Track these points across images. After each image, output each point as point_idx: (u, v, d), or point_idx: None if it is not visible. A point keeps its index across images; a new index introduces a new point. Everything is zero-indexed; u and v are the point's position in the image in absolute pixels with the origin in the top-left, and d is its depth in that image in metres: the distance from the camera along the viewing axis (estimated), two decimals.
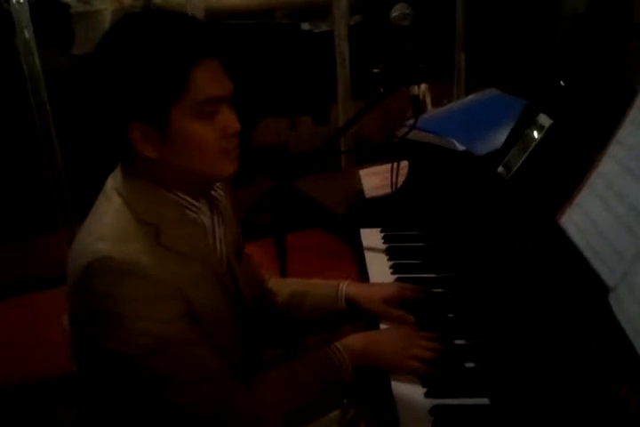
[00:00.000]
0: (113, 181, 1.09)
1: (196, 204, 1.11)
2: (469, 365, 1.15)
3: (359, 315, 1.35)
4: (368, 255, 1.63)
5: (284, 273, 1.76)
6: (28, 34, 2.50)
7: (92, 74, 1.04)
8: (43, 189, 2.75)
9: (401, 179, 1.82)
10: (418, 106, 1.37)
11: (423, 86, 2.42)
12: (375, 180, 2.07)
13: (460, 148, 1.54)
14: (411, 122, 1.63)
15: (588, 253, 1.00)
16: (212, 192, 1.18)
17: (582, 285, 0.99)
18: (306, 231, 2.75)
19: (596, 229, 1.00)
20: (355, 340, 1.19)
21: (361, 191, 2.17)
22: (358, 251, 1.67)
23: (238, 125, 1.06)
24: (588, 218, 1.04)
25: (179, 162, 1.04)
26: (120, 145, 1.04)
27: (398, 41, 1.30)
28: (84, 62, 1.06)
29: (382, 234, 1.72)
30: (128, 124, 1.00)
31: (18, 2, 2.47)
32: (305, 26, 4.35)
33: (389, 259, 1.58)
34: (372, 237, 1.72)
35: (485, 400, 1.05)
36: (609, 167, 1.04)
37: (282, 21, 4.96)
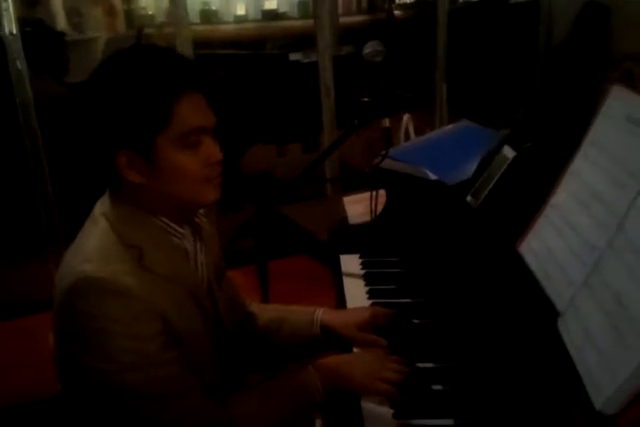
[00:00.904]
0: (100, 206, 1.15)
1: (180, 230, 1.17)
2: (436, 387, 1.19)
3: (334, 341, 1.40)
4: (346, 280, 1.69)
5: (265, 299, 1.81)
6: (20, 64, 2.59)
7: (82, 103, 1.11)
8: (32, 212, 2.81)
9: (380, 207, 1.89)
10: (389, 138, 1.44)
11: (405, 116, 2.50)
12: (359, 207, 2.14)
13: (433, 177, 1.61)
14: (390, 152, 1.70)
15: (542, 280, 1.05)
16: (196, 219, 1.24)
17: (538, 310, 1.04)
18: (291, 257, 2.81)
19: (551, 256, 1.06)
20: (327, 362, 1.23)
21: (345, 218, 2.24)
22: (337, 276, 1.72)
23: (220, 155, 1.12)
24: (544, 245, 1.10)
25: (163, 188, 1.10)
26: (108, 171, 1.10)
27: (371, 76, 1.37)
28: (76, 92, 1.13)
29: (361, 260, 1.77)
30: (115, 151, 1.07)
31: (11, 33, 2.56)
32: (296, 56, 4.47)
33: (366, 284, 1.64)
34: (350, 262, 1.77)
35: (450, 421, 1.10)
36: (563, 198, 1.11)
37: (271, 52, 5.09)
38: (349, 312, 1.47)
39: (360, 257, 1.79)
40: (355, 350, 1.36)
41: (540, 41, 3.50)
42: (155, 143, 1.06)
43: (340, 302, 1.61)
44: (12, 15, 2.54)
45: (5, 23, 2.54)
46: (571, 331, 0.91)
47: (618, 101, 1.05)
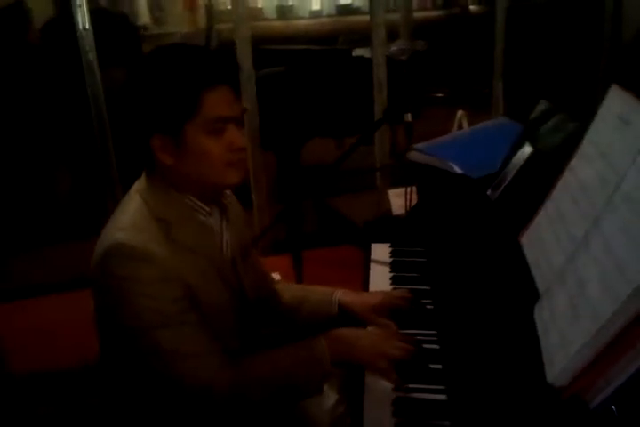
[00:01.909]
0: (137, 185, 1.30)
1: (206, 208, 1.30)
2: (435, 366, 1.27)
3: (350, 321, 1.49)
4: (374, 267, 1.78)
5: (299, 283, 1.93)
6: (91, 56, 2.81)
7: (125, 92, 1.27)
8: (99, 194, 3.03)
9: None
10: (410, 131, 1.51)
11: (459, 113, 2.55)
12: (403, 199, 2.22)
13: (458, 170, 1.67)
14: (419, 146, 1.78)
15: (533, 268, 1.12)
16: (224, 200, 1.37)
17: (527, 297, 1.11)
18: (339, 247, 2.91)
19: (541, 247, 1.12)
20: (338, 333, 1.30)
21: (389, 210, 2.33)
22: (366, 263, 1.82)
23: (243, 142, 1.25)
24: (539, 236, 1.16)
25: (190, 170, 1.23)
26: (144, 152, 1.24)
27: (397, 74, 1.45)
28: (123, 84, 1.29)
29: (390, 249, 1.86)
30: (150, 135, 1.21)
31: (84, 28, 2.78)
32: (361, 51, 4.54)
33: (391, 271, 1.72)
34: (381, 251, 1.86)
35: (443, 396, 1.18)
36: (559, 192, 1.16)
37: (336, 47, 5.18)
38: (367, 294, 1.56)
39: (390, 246, 1.87)
40: (368, 328, 1.45)
41: (604, 38, 3.45)
42: (184, 129, 1.19)
43: (364, 286, 1.70)
44: (85, 10, 2.75)
45: (79, 18, 2.76)
46: (542, 314, 0.97)
47: (613, 101, 1.10)
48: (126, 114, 1.28)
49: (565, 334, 0.86)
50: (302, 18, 8.15)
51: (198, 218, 1.29)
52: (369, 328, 1.45)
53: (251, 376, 1.23)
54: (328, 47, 5.05)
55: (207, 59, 1.24)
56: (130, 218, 1.23)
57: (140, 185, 1.29)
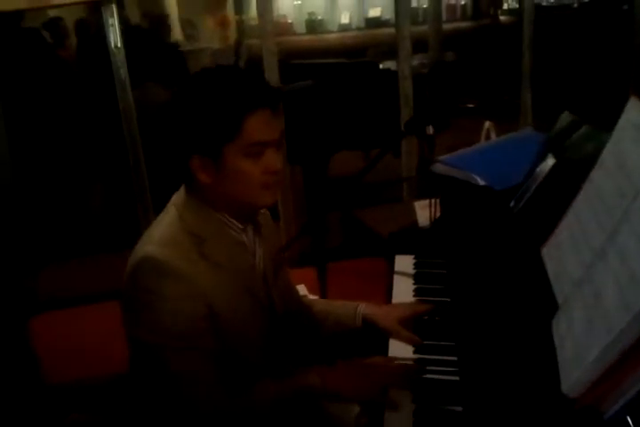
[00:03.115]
0: (175, 198, 1.33)
1: (239, 225, 1.32)
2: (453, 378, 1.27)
3: (374, 334, 1.50)
4: (398, 279, 1.78)
5: (323, 295, 1.95)
6: (123, 73, 2.89)
7: (167, 113, 1.29)
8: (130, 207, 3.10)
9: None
10: (432, 144, 1.53)
11: (487, 124, 2.56)
12: (429, 211, 2.23)
13: (481, 182, 1.67)
14: (443, 158, 1.79)
15: (553, 280, 1.12)
16: (258, 217, 1.39)
17: (546, 309, 1.11)
18: (365, 258, 2.92)
19: (561, 258, 1.12)
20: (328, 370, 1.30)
21: (415, 222, 2.34)
22: (390, 275, 1.82)
23: (279, 165, 1.27)
24: (559, 248, 1.16)
25: (227, 189, 1.26)
26: (183, 171, 1.27)
27: (417, 87, 1.47)
28: (166, 103, 1.31)
29: (414, 260, 1.86)
30: (190, 155, 1.24)
31: (116, 46, 2.86)
32: (388, 64, 4.57)
33: (414, 283, 1.73)
34: (405, 262, 1.87)
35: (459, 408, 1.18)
36: (580, 204, 1.16)
37: (363, 60, 5.22)
38: (391, 306, 1.57)
39: (414, 258, 1.88)
40: (391, 341, 1.46)
41: (634, 48, 3.41)
42: (223, 151, 1.22)
43: (388, 298, 1.71)
44: (117, 29, 2.83)
45: (112, 37, 2.84)
46: (560, 326, 0.97)
47: (632, 112, 1.10)
48: (166, 133, 1.31)
49: (581, 345, 0.86)
50: (331, 32, 8.25)
51: (231, 234, 1.31)
52: (390, 341, 1.46)
53: (248, 410, 1.25)
54: (355, 60, 5.09)
55: (249, 82, 1.25)
56: (163, 231, 1.26)
57: (177, 199, 1.32)
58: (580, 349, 0.86)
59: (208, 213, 1.28)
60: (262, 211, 1.43)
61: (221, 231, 1.29)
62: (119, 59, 2.87)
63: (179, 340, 1.19)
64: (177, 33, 6.65)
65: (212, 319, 1.23)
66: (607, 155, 1.15)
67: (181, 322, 1.19)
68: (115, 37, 2.83)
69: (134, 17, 5.27)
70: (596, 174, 1.16)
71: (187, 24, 7.01)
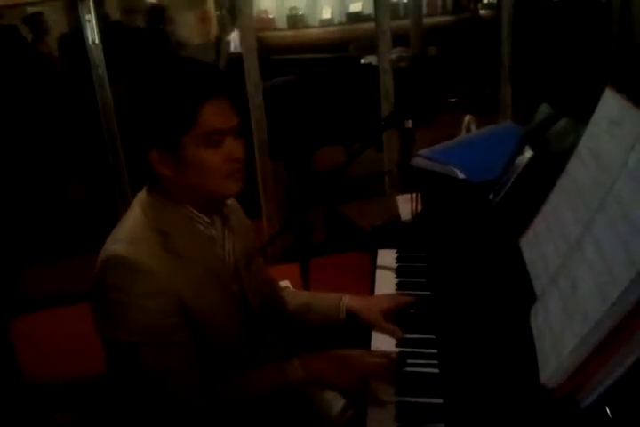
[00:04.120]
0: (138, 197, 1.33)
1: (205, 218, 1.31)
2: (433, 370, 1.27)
3: (357, 326, 1.50)
4: (380, 273, 1.79)
5: (307, 289, 1.94)
6: (101, 70, 2.86)
7: (123, 106, 1.29)
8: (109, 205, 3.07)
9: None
10: (411, 138, 1.53)
11: (467, 117, 2.56)
12: (410, 206, 2.24)
13: (460, 175, 1.68)
14: (422, 152, 1.79)
15: (531, 271, 1.12)
16: (225, 209, 1.38)
17: (525, 300, 1.11)
18: (348, 253, 2.93)
19: (538, 249, 1.13)
20: (309, 358, 1.30)
21: (397, 216, 2.34)
22: (372, 269, 1.83)
23: (241, 153, 1.26)
24: (536, 239, 1.16)
25: (189, 181, 1.25)
26: (143, 165, 1.26)
27: (397, 81, 1.47)
28: (122, 95, 1.31)
29: (397, 254, 1.87)
30: (149, 148, 1.23)
31: (93, 42, 2.84)
32: (370, 59, 4.56)
33: (397, 277, 1.73)
34: (387, 256, 1.87)
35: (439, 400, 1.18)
36: (556, 195, 1.17)
37: (343, 55, 5.21)
38: (374, 298, 1.57)
39: (397, 252, 1.88)
40: (373, 334, 1.46)
41: (612, 40, 3.44)
42: (182, 143, 1.21)
43: (371, 292, 1.71)
44: (95, 26, 2.80)
45: (89, 33, 2.81)
46: (537, 317, 0.98)
47: (607, 104, 1.10)
48: (125, 128, 1.30)
49: (558, 336, 0.87)
50: (313, 27, 8.23)
51: (198, 228, 1.30)
52: (373, 333, 1.46)
53: (225, 402, 1.24)
54: (336, 55, 5.08)
55: (200, 72, 1.25)
56: (128, 230, 1.25)
57: (140, 197, 1.31)
58: (557, 339, 0.87)
59: (172, 208, 1.28)
60: (230, 202, 1.42)
61: (187, 225, 1.28)
62: (97, 55, 2.84)
63: (151, 336, 1.18)
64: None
65: (183, 313, 1.22)
66: (583, 146, 1.16)
67: (153, 318, 1.18)
68: (92, 34, 2.80)
69: (114, 14, 5.21)
70: (572, 166, 1.16)
71: (167, 19, 6.93)
